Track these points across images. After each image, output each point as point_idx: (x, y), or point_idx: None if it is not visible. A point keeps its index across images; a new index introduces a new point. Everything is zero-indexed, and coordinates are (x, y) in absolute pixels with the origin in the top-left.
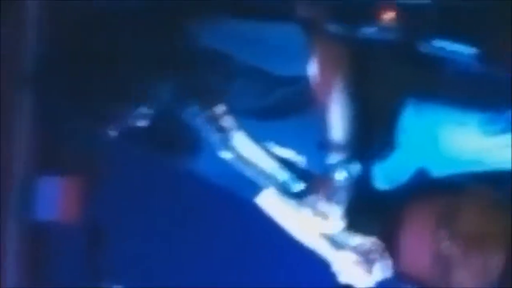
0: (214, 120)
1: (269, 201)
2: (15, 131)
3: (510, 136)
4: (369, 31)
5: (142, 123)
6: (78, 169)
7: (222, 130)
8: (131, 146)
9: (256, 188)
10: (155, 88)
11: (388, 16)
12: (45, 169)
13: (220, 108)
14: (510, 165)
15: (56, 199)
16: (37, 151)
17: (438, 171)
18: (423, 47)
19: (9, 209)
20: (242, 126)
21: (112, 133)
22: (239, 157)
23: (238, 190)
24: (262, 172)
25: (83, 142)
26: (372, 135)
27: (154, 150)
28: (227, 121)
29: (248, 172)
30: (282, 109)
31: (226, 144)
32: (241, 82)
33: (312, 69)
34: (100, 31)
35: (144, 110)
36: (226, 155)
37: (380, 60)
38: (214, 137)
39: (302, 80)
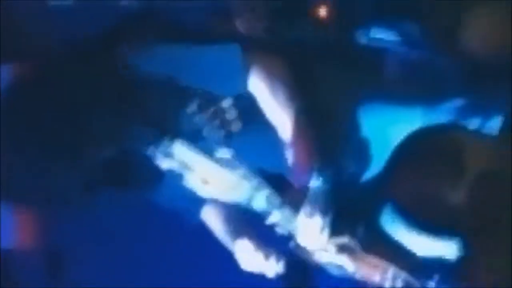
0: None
1: (211, 215)
2: None
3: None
4: (305, 31)
5: (91, 156)
6: (34, 196)
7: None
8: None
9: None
10: (100, 120)
11: (322, 12)
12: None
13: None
14: None
15: (13, 228)
16: None
17: None
18: (362, 40)
19: None
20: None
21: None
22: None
23: (184, 210)
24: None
25: (38, 173)
26: (325, 139)
27: (106, 183)
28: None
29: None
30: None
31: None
32: (187, 104)
33: (254, 84)
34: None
35: (92, 141)
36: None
37: (320, 60)
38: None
39: (247, 97)
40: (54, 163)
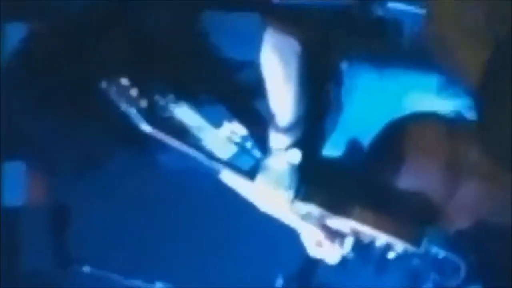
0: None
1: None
2: None
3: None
4: None
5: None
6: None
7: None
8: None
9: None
10: None
11: None
12: (10, 155)
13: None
14: None
15: (22, 184)
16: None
17: None
18: (378, 11)
19: None
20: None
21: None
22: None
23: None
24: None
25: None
26: (331, 103)
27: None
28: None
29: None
30: (234, 92)
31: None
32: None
33: (265, 52)
34: None
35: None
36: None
37: (334, 27)
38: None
39: (254, 64)
40: (68, 126)
